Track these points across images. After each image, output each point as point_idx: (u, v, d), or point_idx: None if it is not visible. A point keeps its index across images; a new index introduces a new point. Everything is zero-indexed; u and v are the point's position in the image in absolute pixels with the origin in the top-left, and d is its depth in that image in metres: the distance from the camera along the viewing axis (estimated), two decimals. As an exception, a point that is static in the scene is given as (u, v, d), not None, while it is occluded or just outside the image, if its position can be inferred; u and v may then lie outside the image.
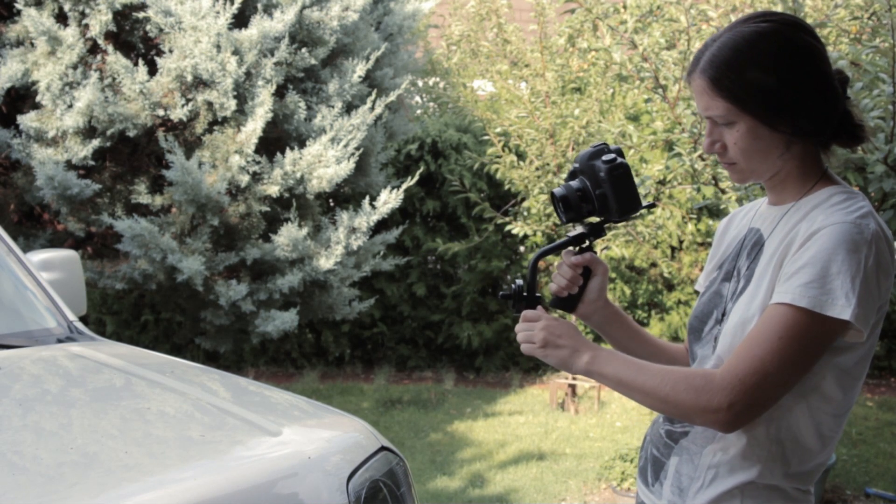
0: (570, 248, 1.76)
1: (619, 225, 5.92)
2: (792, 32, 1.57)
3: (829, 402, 1.56)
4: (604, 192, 1.67)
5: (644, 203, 1.72)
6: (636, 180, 4.76)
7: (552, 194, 1.71)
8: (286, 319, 5.55)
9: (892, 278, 1.54)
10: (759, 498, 1.57)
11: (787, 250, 1.54)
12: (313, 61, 5.64)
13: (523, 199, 6.56)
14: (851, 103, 1.61)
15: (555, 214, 6.18)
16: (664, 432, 1.70)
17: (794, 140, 1.57)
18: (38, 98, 5.24)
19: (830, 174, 1.63)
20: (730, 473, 1.58)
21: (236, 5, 5.20)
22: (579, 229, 1.75)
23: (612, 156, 1.69)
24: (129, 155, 5.68)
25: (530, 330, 1.65)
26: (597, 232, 1.74)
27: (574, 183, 1.70)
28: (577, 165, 1.72)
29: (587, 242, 1.75)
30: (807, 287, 1.47)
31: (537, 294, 1.70)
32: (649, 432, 1.77)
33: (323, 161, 5.51)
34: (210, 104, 5.34)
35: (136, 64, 5.25)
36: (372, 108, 5.82)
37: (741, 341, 1.53)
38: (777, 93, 1.54)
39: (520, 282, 1.71)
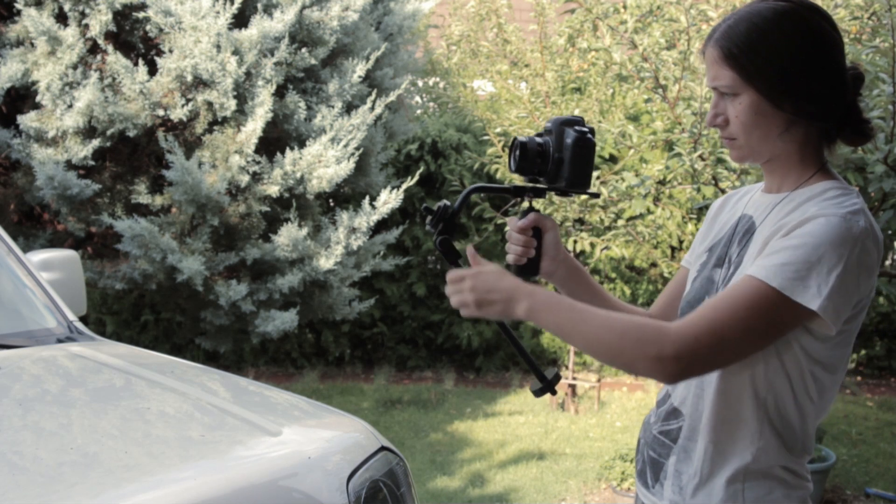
0: (516, 217, 1.76)
1: (619, 224, 5.91)
2: (809, 15, 1.58)
3: (809, 390, 1.57)
4: (562, 157, 1.68)
5: (592, 190, 1.73)
6: (635, 180, 4.77)
7: (514, 139, 1.70)
8: (286, 319, 5.55)
9: (874, 277, 1.54)
10: (758, 487, 1.58)
11: (775, 236, 1.55)
12: (313, 61, 5.64)
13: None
14: (861, 100, 1.62)
15: (555, 214, 6.18)
16: (659, 433, 1.70)
17: (796, 123, 1.58)
18: (38, 98, 5.24)
19: (829, 169, 1.63)
20: (724, 463, 1.59)
21: (236, 5, 5.20)
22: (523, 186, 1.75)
23: (585, 129, 1.69)
24: (129, 155, 5.68)
25: (459, 293, 1.60)
26: (539, 193, 1.74)
27: (539, 138, 1.70)
28: (548, 125, 1.71)
29: (526, 200, 1.75)
30: (782, 268, 1.47)
31: (458, 221, 1.73)
32: (642, 435, 1.77)
33: (323, 161, 5.51)
34: (210, 104, 5.34)
35: (136, 64, 5.25)
36: (372, 108, 5.82)
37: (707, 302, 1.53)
38: (784, 70, 1.55)
39: (448, 203, 1.70)
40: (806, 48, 1.55)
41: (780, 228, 1.55)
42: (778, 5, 1.58)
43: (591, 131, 1.70)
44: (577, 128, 1.68)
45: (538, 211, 1.76)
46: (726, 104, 1.60)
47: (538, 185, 1.73)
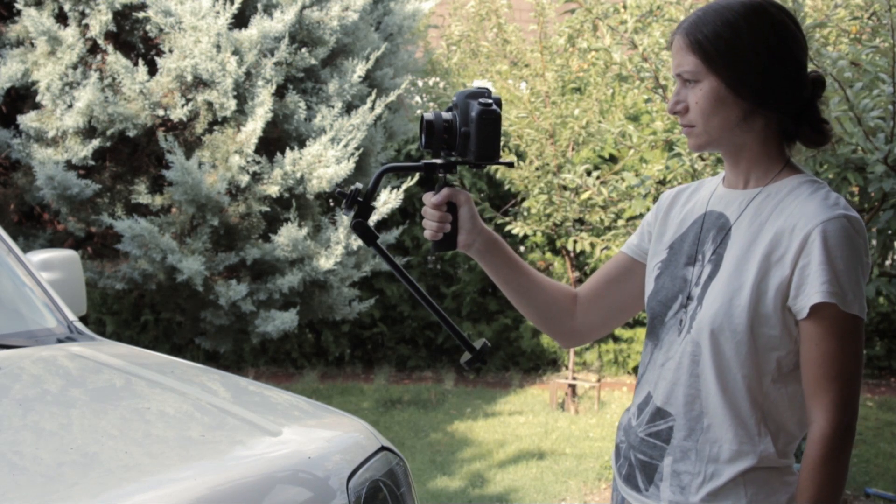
0: (429, 192, 1.77)
1: (619, 224, 5.92)
2: (775, 11, 1.62)
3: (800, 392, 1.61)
4: (469, 131, 1.68)
5: (503, 159, 1.73)
6: (635, 180, 4.77)
7: (422, 117, 1.71)
8: (286, 319, 5.55)
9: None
10: (758, 482, 1.59)
11: (776, 245, 1.57)
12: (313, 61, 5.64)
13: (523, 199, 6.55)
14: (821, 103, 1.66)
15: (555, 214, 6.19)
16: (647, 435, 1.69)
17: (754, 113, 1.60)
18: (38, 98, 5.25)
19: (794, 163, 1.67)
20: (730, 463, 1.59)
21: (236, 5, 5.20)
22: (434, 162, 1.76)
23: (490, 101, 1.68)
24: (129, 155, 5.68)
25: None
26: (449, 168, 1.75)
27: (445, 114, 1.71)
28: (454, 100, 1.71)
29: (439, 174, 1.76)
30: (830, 284, 1.52)
31: (372, 204, 1.74)
32: (623, 439, 1.76)
33: (323, 161, 5.51)
34: (210, 104, 5.34)
35: (136, 64, 5.25)
36: (372, 108, 5.82)
37: (810, 369, 1.55)
38: (746, 59, 1.59)
39: (360, 186, 1.71)
40: (770, 41, 1.59)
41: (778, 235, 1.57)
42: (747, 0, 1.62)
43: (498, 102, 1.69)
44: (481, 100, 1.68)
45: (453, 185, 1.77)
46: (687, 91, 1.63)
47: (450, 160, 1.74)
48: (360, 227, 1.72)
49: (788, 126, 1.64)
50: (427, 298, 1.75)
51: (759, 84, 1.59)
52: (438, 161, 1.75)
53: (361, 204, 1.71)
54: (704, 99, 1.60)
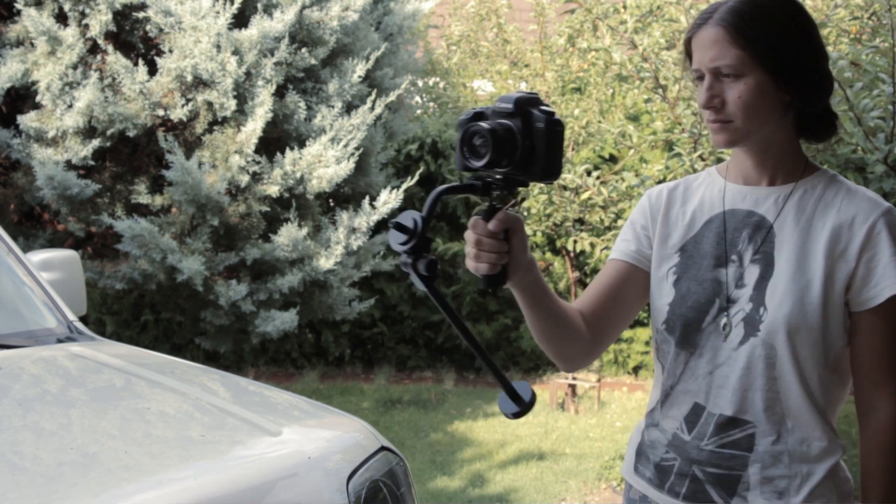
0: (479, 217, 1.47)
1: (619, 224, 5.91)
2: (801, 6, 1.61)
3: (845, 384, 1.65)
4: (533, 144, 1.41)
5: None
6: (635, 180, 4.76)
7: (469, 127, 1.40)
8: (286, 319, 5.55)
9: None
10: (840, 474, 1.62)
11: (837, 239, 1.57)
12: (313, 61, 5.64)
13: (523, 199, 6.55)
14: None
15: (555, 214, 6.17)
16: (718, 447, 1.62)
17: (791, 108, 1.59)
18: (38, 98, 5.25)
19: (810, 160, 1.67)
20: (821, 460, 1.60)
21: (236, 5, 5.20)
22: (489, 179, 1.46)
23: (551, 110, 1.45)
24: (129, 155, 5.68)
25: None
26: (510, 186, 1.46)
27: (502, 121, 1.41)
28: (505, 106, 1.42)
29: (495, 194, 1.47)
30: None
31: (428, 235, 1.39)
32: (673, 455, 1.66)
33: (323, 161, 5.51)
34: (210, 104, 5.34)
35: (136, 64, 5.25)
36: (372, 108, 5.82)
37: (875, 359, 1.57)
38: (791, 52, 1.56)
39: (416, 216, 1.38)
40: (805, 35, 1.58)
41: (836, 230, 1.58)
42: None
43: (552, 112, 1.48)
44: (542, 108, 1.43)
45: (505, 207, 1.49)
46: (723, 86, 1.56)
47: (512, 178, 1.45)
48: (432, 268, 1.38)
49: (812, 121, 1.62)
50: (481, 349, 1.46)
51: (804, 78, 1.56)
52: (496, 180, 1.45)
53: (420, 236, 1.37)
54: (749, 93, 1.54)
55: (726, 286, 1.62)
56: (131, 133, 5.26)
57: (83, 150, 5.22)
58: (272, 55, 5.42)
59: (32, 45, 5.34)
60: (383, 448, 2.35)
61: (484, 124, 1.39)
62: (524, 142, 1.41)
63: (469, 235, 1.47)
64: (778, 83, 1.55)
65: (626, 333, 7.52)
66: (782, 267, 1.58)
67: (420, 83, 8.79)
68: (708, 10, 1.60)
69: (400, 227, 1.38)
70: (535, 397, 1.46)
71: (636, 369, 7.62)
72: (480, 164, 1.40)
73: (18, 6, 5.22)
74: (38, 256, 3.16)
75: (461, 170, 1.44)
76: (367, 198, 5.91)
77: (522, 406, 1.47)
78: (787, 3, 1.58)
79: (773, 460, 1.59)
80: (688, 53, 1.63)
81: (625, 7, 4.77)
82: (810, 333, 1.56)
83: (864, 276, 1.55)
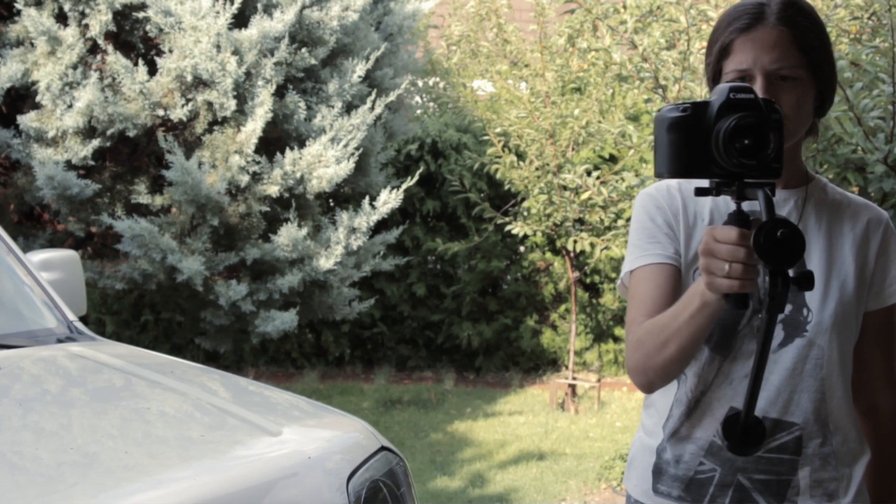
0: (730, 227, 1.31)
1: (619, 224, 5.91)
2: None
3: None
4: (768, 135, 1.33)
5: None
6: (635, 180, 4.76)
7: (738, 123, 1.29)
8: (286, 319, 5.55)
9: None
10: (864, 472, 1.65)
11: (858, 240, 1.60)
12: (313, 61, 5.64)
13: (523, 200, 6.56)
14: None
15: (555, 214, 6.17)
16: (765, 452, 1.56)
17: (816, 112, 1.60)
18: (38, 98, 5.24)
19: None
20: (858, 461, 1.63)
21: (236, 5, 5.20)
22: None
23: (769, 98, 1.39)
24: (129, 155, 5.68)
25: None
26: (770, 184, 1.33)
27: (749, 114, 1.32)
28: (743, 95, 1.32)
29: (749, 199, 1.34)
30: None
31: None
32: (713, 465, 1.59)
33: (323, 161, 5.51)
34: (210, 104, 5.34)
35: (136, 64, 5.25)
36: (372, 108, 5.82)
37: (885, 351, 1.64)
38: (830, 60, 1.58)
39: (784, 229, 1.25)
40: (829, 41, 1.59)
41: (862, 235, 1.61)
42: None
43: None
44: (762, 98, 1.35)
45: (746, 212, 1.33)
46: (776, 88, 1.49)
47: (766, 178, 1.33)
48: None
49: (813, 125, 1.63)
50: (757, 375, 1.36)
51: (832, 86, 1.59)
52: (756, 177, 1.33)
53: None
54: (805, 98, 1.52)
55: (759, 288, 1.50)
56: (131, 133, 5.26)
57: (83, 150, 5.22)
58: (272, 55, 5.42)
59: (32, 45, 5.34)
60: (383, 448, 2.35)
61: (746, 116, 1.30)
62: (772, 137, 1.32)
63: (735, 250, 1.30)
64: (820, 94, 1.57)
65: (626, 333, 7.51)
66: (815, 268, 1.57)
67: (420, 83, 8.79)
68: (751, 7, 1.52)
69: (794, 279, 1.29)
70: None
71: (636, 369, 7.61)
72: (735, 156, 1.31)
73: (18, 6, 5.22)
74: (38, 256, 3.15)
75: (729, 167, 1.31)
76: (367, 198, 5.91)
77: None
78: (814, 8, 1.59)
79: (822, 463, 1.58)
80: (722, 51, 1.55)
81: (625, 7, 4.77)
82: (851, 333, 1.60)
83: (881, 277, 1.61)
